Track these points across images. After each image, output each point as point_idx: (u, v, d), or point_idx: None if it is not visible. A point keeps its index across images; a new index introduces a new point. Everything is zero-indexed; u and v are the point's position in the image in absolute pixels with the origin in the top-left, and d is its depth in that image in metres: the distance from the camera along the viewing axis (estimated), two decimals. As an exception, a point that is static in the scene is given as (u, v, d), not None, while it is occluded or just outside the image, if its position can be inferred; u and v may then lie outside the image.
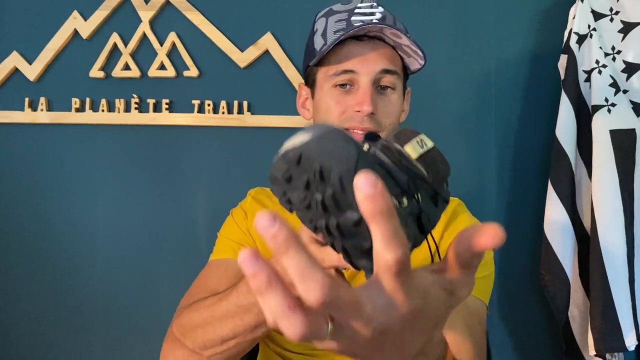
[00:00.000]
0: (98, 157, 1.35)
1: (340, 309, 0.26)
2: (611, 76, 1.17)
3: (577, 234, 1.21)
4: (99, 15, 1.34)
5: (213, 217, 1.30)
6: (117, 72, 1.34)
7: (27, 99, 1.33)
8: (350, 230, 0.34)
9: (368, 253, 0.33)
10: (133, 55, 1.34)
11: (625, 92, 1.18)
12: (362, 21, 0.75)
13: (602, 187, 1.14)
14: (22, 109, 1.34)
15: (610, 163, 1.14)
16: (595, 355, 1.13)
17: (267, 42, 1.34)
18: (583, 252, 1.21)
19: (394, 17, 0.80)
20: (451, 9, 1.36)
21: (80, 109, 1.34)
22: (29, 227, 1.34)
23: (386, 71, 0.76)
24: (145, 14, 1.34)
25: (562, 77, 1.24)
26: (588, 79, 1.20)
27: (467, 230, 0.31)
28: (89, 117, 1.33)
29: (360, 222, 0.33)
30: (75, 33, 1.35)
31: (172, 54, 1.34)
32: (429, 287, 0.31)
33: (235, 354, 0.59)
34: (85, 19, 1.34)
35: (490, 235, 0.30)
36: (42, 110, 1.33)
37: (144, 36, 1.34)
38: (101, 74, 1.34)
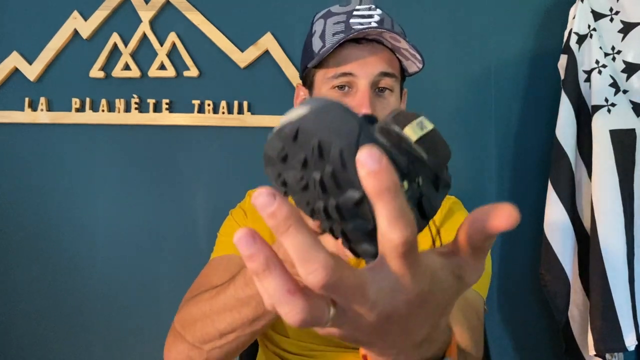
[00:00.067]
0: (98, 157, 1.35)
1: (344, 292, 0.25)
2: (611, 76, 1.17)
3: (577, 234, 1.21)
4: (99, 15, 1.34)
5: (213, 217, 1.30)
6: (117, 72, 1.34)
7: (27, 99, 1.33)
8: (350, 210, 0.31)
9: (369, 236, 0.31)
10: (133, 55, 1.34)
11: (625, 92, 1.18)
12: (360, 24, 0.75)
13: (602, 187, 1.14)
14: (22, 109, 1.34)
15: (610, 163, 1.14)
16: (595, 355, 1.13)
17: (267, 42, 1.34)
18: (583, 252, 1.21)
19: (392, 19, 0.80)
20: (451, 9, 1.36)
21: (80, 109, 1.34)
22: (29, 227, 1.34)
23: (384, 74, 0.76)
24: (145, 14, 1.34)
25: (562, 77, 1.24)
26: (588, 79, 1.20)
27: (480, 211, 0.29)
28: (89, 117, 1.33)
29: (362, 202, 0.30)
30: (75, 33, 1.35)
31: (172, 54, 1.34)
32: (436, 270, 0.29)
33: (235, 348, 0.58)
34: (85, 19, 1.34)
35: (505, 216, 0.27)
36: (42, 110, 1.33)
37: (144, 36, 1.34)
38: (101, 74, 1.34)
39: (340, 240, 0.35)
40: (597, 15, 1.21)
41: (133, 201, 1.35)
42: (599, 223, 1.13)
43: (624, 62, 1.19)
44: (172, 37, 1.34)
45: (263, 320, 0.54)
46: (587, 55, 1.20)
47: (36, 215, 1.34)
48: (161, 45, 1.34)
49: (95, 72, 1.34)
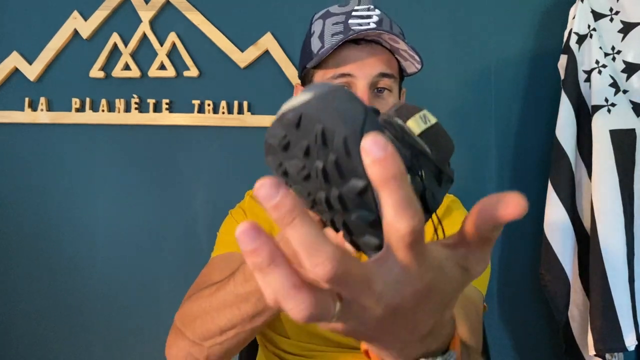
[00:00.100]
0: (98, 157, 1.35)
1: (350, 284, 0.24)
2: (611, 76, 1.17)
3: (577, 234, 1.21)
4: (99, 15, 1.34)
5: (213, 217, 1.30)
6: (117, 72, 1.34)
7: (27, 99, 1.34)
8: (353, 200, 0.30)
9: (372, 227, 0.31)
10: (133, 55, 1.34)
11: (625, 92, 1.18)
12: (359, 24, 0.76)
13: (602, 187, 1.14)
14: (22, 109, 1.34)
15: (610, 163, 1.14)
16: (595, 356, 1.13)
17: (267, 42, 1.34)
18: (583, 252, 1.21)
19: (391, 20, 0.80)
20: (451, 9, 1.36)
21: (80, 109, 1.34)
22: (29, 227, 1.34)
23: (383, 74, 0.76)
24: (146, 14, 1.34)
25: (562, 77, 1.24)
26: (588, 79, 1.20)
27: (487, 201, 0.28)
28: (89, 117, 1.33)
29: (366, 191, 0.30)
30: (76, 33, 1.35)
31: (172, 54, 1.34)
32: (442, 261, 0.28)
33: (236, 345, 0.58)
34: (85, 19, 1.34)
35: (514, 205, 0.27)
36: (42, 110, 1.33)
37: (144, 36, 1.34)
38: (101, 74, 1.34)
39: (341, 234, 0.34)
40: (597, 15, 1.21)
41: (133, 201, 1.35)
42: (599, 223, 1.13)
43: (624, 62, 1.19)
44: (172, 37, 1.34)
45: (263, 317, 0.54)
46: (587, 55, 1.20)
47: (36, 215, 1.34)
48: (161, 45, 1.34)
49: (95, 72, 1.34)
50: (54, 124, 1.34)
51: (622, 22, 1.20)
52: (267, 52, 1.34)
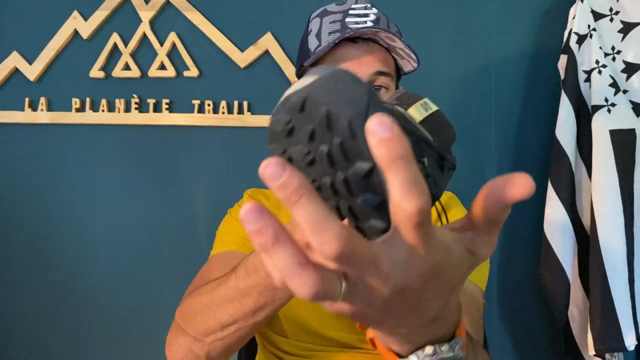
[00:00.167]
0: (98, 157, 1.35)
1: (357, 263, 0.24)
2: (611, 76, 1.17)
3: (577, 234, 1.21)
4: (99, 15, 1.34)
5: (213, 216, 1.30)
6: (117, 72, 1.34)
7: (27, 99, 1.34)
8: (359, 184, 0.30)
9: (377, 210, 0.30)
10: (133, 55, 1.34)
11: (625, 92, 1.18)
12: (356, 23, 0.76)
13: (602, 187, 1.14)
14: (22, 109, 1.34)
15: (610, 163, 1.14)
16: (595, 355, 1.13)
17: (267, 42, 1.34)
18: (583, 252, 1.21)
19: (388, 18, 0.81)
20: (451, 9, 1.36)
21: (81, 109, 1.34)
22: (29, 227, 1.34)
23: (380, 73, 0.77)
24: (146, 14, 1.34)
25: (562, 77, 1.24)
26: (588, 79, 1.20)
27: (495, 183, 0.28)
28: (89, 117, 1.33)
29: (372, 173, 0.29)
30: (76, 33, 1.35)
31: (172, 54, 1.34)
32: (450, 244, 0.28)
33: (237, 340, 0.58)
34: (86, 19, 1.34)
35: (521, 184, 0.27)
36: (42, 110, 1.33)
37: (144, 36, 1.34)
38: (101, 74, 1.34)
39: (346, 221, 0.34)
40: (597, 15, 1.21)
41: (133, 201, 1.35)
42: (599, 223, 1.13)
43: (624, 62, 1.19)
44: (172, 37, 1.34)
45: (265, 311, 0.54)
46: (587, 55, 1.20)
47: (36, 215, 1.34)
48: (161, 45, 1.34)
49: (95, 72, 1.34)
50: (54, 124, 1.34)
51: (622, 22, 1.20)
52: (267, 52, 1.34)
